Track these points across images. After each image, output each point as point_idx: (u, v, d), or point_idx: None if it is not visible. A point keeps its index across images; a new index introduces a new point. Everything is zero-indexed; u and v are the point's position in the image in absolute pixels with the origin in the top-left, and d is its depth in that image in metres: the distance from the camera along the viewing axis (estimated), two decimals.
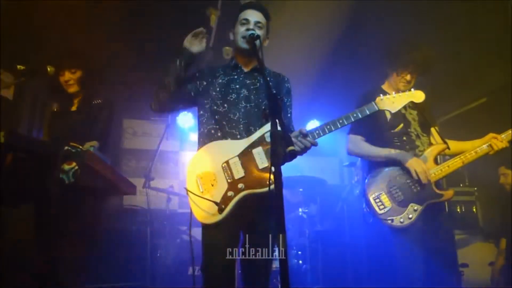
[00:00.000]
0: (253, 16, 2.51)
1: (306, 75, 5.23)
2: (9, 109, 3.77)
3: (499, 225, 4.47)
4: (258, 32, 2.47)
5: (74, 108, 3.09)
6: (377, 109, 2.36)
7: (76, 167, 2.04)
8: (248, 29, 2.46)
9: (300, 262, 4.38)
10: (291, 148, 1.69)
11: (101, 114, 2.99)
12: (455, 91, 4.86)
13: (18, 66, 2.60)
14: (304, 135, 2.28)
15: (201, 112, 2.55)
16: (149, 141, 6.18)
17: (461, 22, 4.48)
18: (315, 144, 2.31)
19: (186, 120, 5.73)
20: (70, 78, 3.00)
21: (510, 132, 2.99)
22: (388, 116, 3.07)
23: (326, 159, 6.35)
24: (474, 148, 2.99)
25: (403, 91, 2.60)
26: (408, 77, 3.09)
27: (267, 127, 2.37)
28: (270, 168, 1.81)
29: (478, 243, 4.58)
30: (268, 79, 2.60)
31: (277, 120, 1.85)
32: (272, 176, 1.76)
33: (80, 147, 2.12)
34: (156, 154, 4.75)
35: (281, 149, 1.80)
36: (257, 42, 2.39)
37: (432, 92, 4.58)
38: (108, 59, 4.79)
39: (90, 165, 2.11)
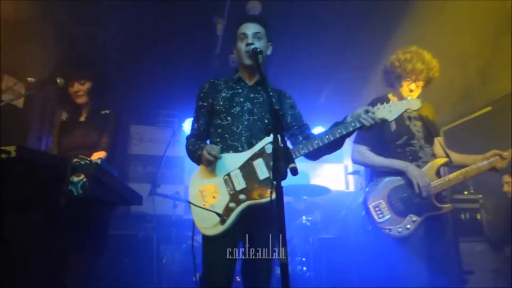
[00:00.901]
0: (250, 28, 2.57)
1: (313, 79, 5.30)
2: (20, 116, 3.86)
3: (503, 232, 4.49)
4: (258, 43, 2.54)
5: (82, 119, 3.16)
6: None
7: (85, 179, 2.09)
8: (247, 44, 2.52)
9: (304, 269, 4.42)
10: (292, 165, 1.73)
11: (109, 125, 3.05)
12: (460, 99, 4.88)
13: (29, 78, 2.68)
14: (367, 111, 2.36)
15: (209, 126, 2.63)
16: (155, 147, 6.26)
17: (466, 29, 4.51)
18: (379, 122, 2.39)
19: None
20: (79, 89, 3.07)
21: None
22: (393, 127, 3.11)
23: (331, 166, 6.38)
24: (476, 163, 3.02)
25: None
26: (412, 86, 3.12)
27: (268, 139, 2.43)
28: (272, 184, 1.85)
29: (482, 250, 4.59)
30: (271, 94, 2.67)
31: (279, 136, 1.91)
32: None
33: (89, 159, 2.17)
34: (163, 161, 4.82)
35: (283, 165, 1.84)
36: (260, 56, 2.45)
37: (438, 100, 4.63)
38: (116, 66, 4.89)
39: (98, 177, 2.16)
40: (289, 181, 4.85)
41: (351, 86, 5.30)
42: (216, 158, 2.36)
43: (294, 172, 1.75)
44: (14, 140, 3.67)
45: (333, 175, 6.27)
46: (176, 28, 4.78)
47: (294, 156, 2.39)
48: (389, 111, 2.43)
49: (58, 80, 2.84)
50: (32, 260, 2.55)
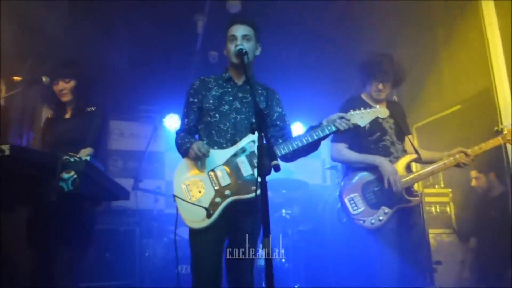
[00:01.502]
0: (239, 30, 2.67)
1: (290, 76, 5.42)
2: (0, 113, 3.86)
3: (471, 225, 4.76)
4: (247, 45, 2.65)
5: (68, 116, 3.21)
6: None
7: (75, 176, 2.17)
8: (236, 45, 2.63)
9: (283, 260, 4.57)
10: (275, 162, 1.86)
11: (94, 122, 3.12)
12: (432, 97, 5.10)
13: (15, 77, 2.72)
14: (341, 117, 2.54)
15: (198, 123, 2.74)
16: (136, 142, 6.29)
17: (438, 28, 4.73)
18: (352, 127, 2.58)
19: (172, 121, 5.86)
20: (64, 88, 3.12)
21: (476, 148, 3.21)
22: (367, 125, 3.29)
23: (309, 160, 6.55)
24: (443, 160, 3.23)
25: (370, 106, 2.78)
26: (380, 86, 3.32)
27: (251, 137, 2.56)
28: (257, 179, 1.98)
29: (451, 241, 4.84)
30: (260, 91, 2.79)
31: (263, 134, 2.03)
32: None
33: (78, 156, 2.25)
34: (145, 156, 4.88)
35: (267, 162, 1.97)
36: (245, 58, 2.57)
37: (410, 99, 4.84)
38: (96, 62, 4.90)
39: (88, 173, 2.24)
40: (270, 176, 4.98)
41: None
42: (205, 156, 2.47)
43: (277, 168, 1.88)
44: None
45: (311, 169, 6.44)
46: (157, 25, 4.83)
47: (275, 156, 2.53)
48: (361, 117, 2.63)
49: (44, 79, 2.88)
50: (21, 255, 2.62)
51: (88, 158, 2.33)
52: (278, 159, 2.70)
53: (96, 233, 4.06)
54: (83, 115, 3.16)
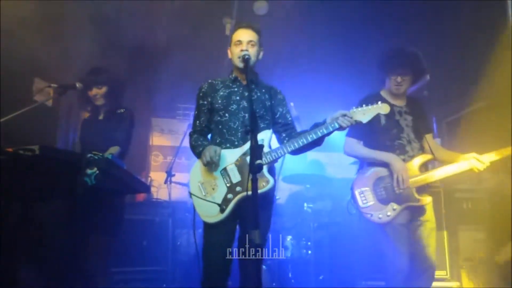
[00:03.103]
0: (245, 36, 2.87)
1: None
2: (49, 115, 4.33)
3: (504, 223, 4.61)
4: (251, 50, 2.84)
5: (101, 117, 3.59)
6: (337, 126, 2.67)
7: (97, 171, 2.47)
8: (242, 50, 2.83)
9: (310, 252, 4.75)
10: (258, 162, 2.05)
11: (123, 123, 3.46)
12: (457, 93, 5.01)
13: (52, 85, 3.10)
14: (344, 115, 2.67)
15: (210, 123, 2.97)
16: (175, 138, 6.67)
17: (464, 23, 4.63)
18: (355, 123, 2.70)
19: None
20: (96, 93, 3.50)
21: (494, 153, 3.20)
22: (382, 121, 3.35)
23: (340, 155, 6.61)
24: (457, 162, 3.24)
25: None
26: (399, 79, 3.34)
27: (259, 136, 2.75)
28: (248, 176, 2.19)
29: (482, 238, 4.72)
30: (264, 91, 2.98)
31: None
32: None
33: (101, 154, 2.56)
34: (178, 151, 5.21)
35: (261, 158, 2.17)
36: (250, 61, 2.79)
37: (433, 95, 4.78)
38: (137, 68, 5.28)
39: (108, 169, 2.54)
40: (300, 170, 5.12)
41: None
42: (216, 164, 2.70)
43: (259, 168, 2.06)
44: (43, 136, 4.15)
45: (342, 163, 6.50)
46: (189, 28, 5.10)
47: (283, 152, 2.73)
48: (363, 114, 2.72)
49: (77, 85, 3.25)
50: (56, 242, 3.01)
51: (109, 156, 2.64)
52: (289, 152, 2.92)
53: (133, 223, 4.52)
54: (114, 116, 3.52)
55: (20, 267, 2.87)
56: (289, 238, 4.87)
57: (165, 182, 4.81)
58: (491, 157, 3.20)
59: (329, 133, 2.71)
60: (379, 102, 2.77)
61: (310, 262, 4.70)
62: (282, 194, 5.34)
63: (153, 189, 5.71)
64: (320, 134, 2.69)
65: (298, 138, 2.72)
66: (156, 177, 6.02)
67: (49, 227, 2.89)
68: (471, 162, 3.20)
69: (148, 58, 5.58)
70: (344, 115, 2.67)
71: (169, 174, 4.83)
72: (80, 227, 2.99)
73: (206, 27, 5.14)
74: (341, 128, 2.69)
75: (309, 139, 2.70)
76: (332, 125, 2.68)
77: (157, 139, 6.74)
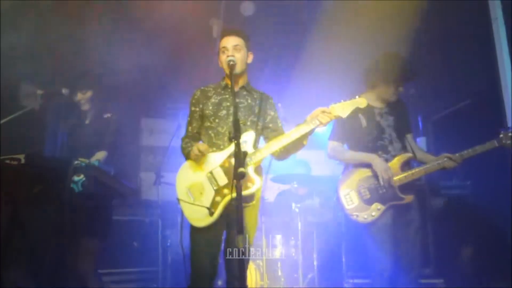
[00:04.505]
0: (230, 42, 2.91)
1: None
2: (37, 117, 4.33)
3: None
4: (237, 55, 2.88)
5: (88, 122, 3.61)
6: (318, 123, 2.71)
7: (84, 178, 2.51)
8: (228, 56, 2.87)
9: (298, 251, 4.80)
10: (240, 169, 2.10)
11: (110, 128, 3.49)
12: (441, 92, 5.08)
13: (38, 91, 3.11)
14: (323, 111, 2.71)
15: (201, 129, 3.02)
16: (165, 138, 6.65)
17: (449, 20, 4.68)
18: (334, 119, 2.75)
19: None
20: (81, 98, 3.52)
21: (470, 151, 3.28)
22: (363, 124, 3.41)
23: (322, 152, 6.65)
24: (432, 163, 3.33)
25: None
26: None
27: (243, 137, 2.75)
28: (232, 182, 2.23)
29: None
30: (255, 96, 3.03)
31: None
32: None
33: (87, 161, 2.60)
34: (168, 151, 5.22)
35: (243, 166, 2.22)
36: (236, 67, 2.82)
37: (420, 93, 4.83)
38: (125, 63, 5.27)
39: (95, 176, 2.58)
40: (288, 170, 5.13)
41: None
42: (203, 153, 2.73)
43: (241, 176, 2.11)
44: (31, 138, 4.15)
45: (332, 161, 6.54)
46: (176, 29, 5.09)
47: (267, 151, 2.78)
48: (342, 109, 2.77)
49: (63, 91, 3.27)
50: (46, 247, 3.04)
51: (96, 163, 2.67)
52: (274, 158, 2.98)
53: (123, 224, 4.56)
54: (101, 121, 3.54)
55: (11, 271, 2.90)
56: (278, 237, 4.92)
57: (155, 183, 4.84)
58: (468, 153, 3.28)
59: (311, 131, 2.76)
60: (356, 96, 2.81)
61: (299, 261, 4.75)
62: (271, 193, 5.39)
63: (143, 190, 5.74)
64: (302, 132, 2.73)
65: (281, 137, 2.77)
66: (147, 177, 6.04)
67: (38, 233, 2.91)
68: (443, 161, 3.30)
69: (136, 56, 5.56)
70: (323, 111, 2.73)
71: (159, 176, 4.86)
72: (69, 232, 3.02)
73: (193, 27, 5.14)
74: (321, 124, 2.74)
75: (292, 138, 2.74)
76: (313, 122, 2.73)
77: (147, 140, 6.74)
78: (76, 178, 2.51)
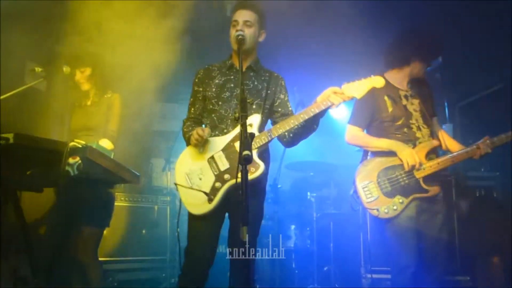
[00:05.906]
0: (242, 16, 2.68)
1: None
2: (42, 98, 4.18)
3: None
4: (247, 30, 2.64)
5: (89, 103, 3.41)
6: (329, 104, 2.48)
7: (80, 161, 2.31)
8: (237, 30, 2.62)
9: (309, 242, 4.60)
10: (245, 152, 1.86)
11: (112, 109, 3.30)
12: (468, 77, 4.76)
13: (36, 68, 2.92)
14: (335, 92, 2.49)
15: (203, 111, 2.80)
16: (177, 124, 6.48)
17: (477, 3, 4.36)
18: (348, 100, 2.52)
19: None
20: (80, 77, 3.31)
21: (503, 136, 3.02)
22: (390, 108, 3.12)
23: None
24: (465, 149, 3.05)
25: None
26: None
27: (248, 120, 2.53)
28: (238, 167, 2.00)
29: None
30: (263, 78, 2.79)
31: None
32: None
33: (84, 143, 2.40)
34: (178, 136, 5.03)
35: (250, 149, 1.98)
36: (245, 42, 2.58)
37: (446, 78, 4.53)
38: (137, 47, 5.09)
39: (92, 159, 2.38)
40: (304, 157, 4.92)
41: None
42: (203, 137, 2.52)
43: (246, 160, 1.87)
44: (36, 121, 4.01)
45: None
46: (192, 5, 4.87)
47: (270, 136, 2.54)
48: (355, 89, 2.51)
49: (64, 69, 3.08)
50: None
51: (93, 145, 2.47)
52: (282, 143, 2.73)
53: (135, 210, 4.41)
54: (102, 101, 3.35)
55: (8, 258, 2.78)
56: (292, 227, 4.71)
57: (163, 169, 4.66)
58: (501, 139, 3.01)
59: (322, 113, 2.52)
60: (372, 75, 2.55)
61: (314, 252, 4.54)
62: (285, 181, 5.15)
63: (154, 176, 5.58)
64: (311, 114, 2.50)
65: (289, 119, 2.53)
66: (158, 163, 5.86)
67: (33, 219, 2.76)
68: (473, 148, 3.02)
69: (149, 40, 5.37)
70: (335, 92, 2.48)
71: (168, 161, 4.68)
72: (66, 218, 2.86)
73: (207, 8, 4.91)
74: (332, 105, 2.49)
75: (301, 119, 2.51)
76: (324, 103, 2.48)
77: (159, 125, 6.55)
78: (71, 160, 2.30)
